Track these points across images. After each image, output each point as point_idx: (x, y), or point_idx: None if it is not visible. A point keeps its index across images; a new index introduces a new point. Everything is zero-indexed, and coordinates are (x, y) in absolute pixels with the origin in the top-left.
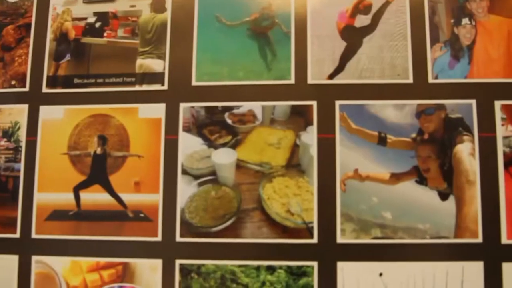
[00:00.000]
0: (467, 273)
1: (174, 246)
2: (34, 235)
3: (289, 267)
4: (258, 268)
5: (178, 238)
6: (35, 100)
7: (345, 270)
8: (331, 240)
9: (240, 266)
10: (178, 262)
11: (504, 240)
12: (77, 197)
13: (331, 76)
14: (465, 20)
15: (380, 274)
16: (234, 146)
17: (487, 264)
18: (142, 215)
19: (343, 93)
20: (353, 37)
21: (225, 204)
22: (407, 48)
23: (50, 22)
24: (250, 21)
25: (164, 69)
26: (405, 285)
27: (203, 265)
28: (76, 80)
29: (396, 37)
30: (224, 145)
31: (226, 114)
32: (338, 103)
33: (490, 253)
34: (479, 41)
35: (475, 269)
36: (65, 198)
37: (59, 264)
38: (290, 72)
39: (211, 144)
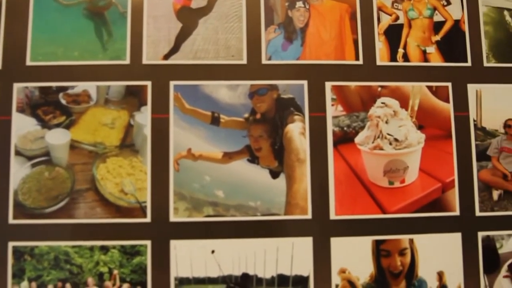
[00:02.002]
0: (297, 249)
1: (7, 228)
2: None
3: (122, 246)
4: (91, 248)
5: (11, 220)
6: None
7: (178, 248)
8: (164, 219)
9: (73, 246)
10: (10, 244)
11: (333, 216)
12: None
13: (166, 57)
14: (299, 4)
15: (213, 252)
16: (68, 127)
17: (316, 239)
18: None
19: (178, 74)
20: (189, 18)
21: (58, 185)
22: (242, 29)
23: None
24: (87, 0)
25: None
26: (237, 261)
27: (37, 246)
28: None
29: (232, 19)
30: (58, 125)
31: (61, 95)
32: (172, 83)
33: (319, 228)
34: (312, 24)
35: (305, 244)
36: None
37: None
38: (125, 53)
39: (45, 125)
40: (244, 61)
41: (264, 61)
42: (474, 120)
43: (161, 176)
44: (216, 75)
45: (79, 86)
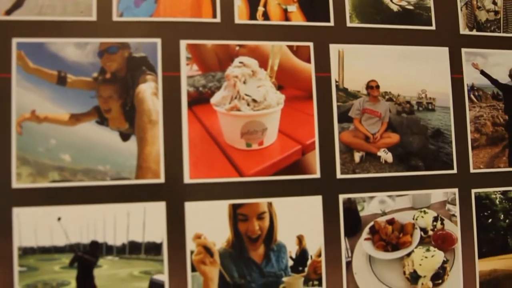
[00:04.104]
0: (149, 214)
1: None
2: None
3: None
4: None
5: None
6: None
7: (21, 216)
8: (5, 186)
9: None
10: None
11: (187, 179)
12: None
13: (8, 12)
14: None
15: (59, 219)
16: None
17: (169, 204)
18: None
19: (21, 30)
20: None
21: None
22: None
23: None
24: None
25: None
26: (85, 228)
27: None
28: None
29: None
30: None
31: None
32: (15, 40)
33: (172, 193)
34: None
35: (158, 210)
36: None
37: None
38: None
39: None
40: (94, 18)
41: (115, 18)
42: (336, 81)
43: (2, 140)
44: (63, 32)
45: None
